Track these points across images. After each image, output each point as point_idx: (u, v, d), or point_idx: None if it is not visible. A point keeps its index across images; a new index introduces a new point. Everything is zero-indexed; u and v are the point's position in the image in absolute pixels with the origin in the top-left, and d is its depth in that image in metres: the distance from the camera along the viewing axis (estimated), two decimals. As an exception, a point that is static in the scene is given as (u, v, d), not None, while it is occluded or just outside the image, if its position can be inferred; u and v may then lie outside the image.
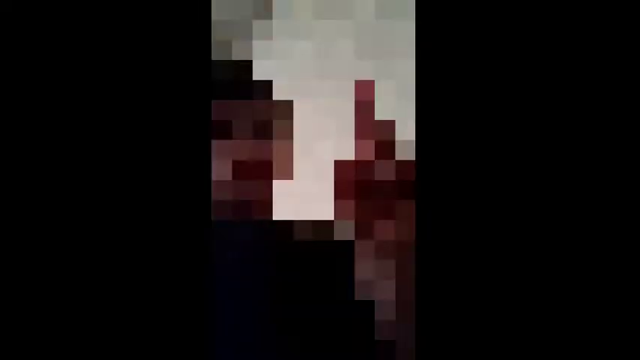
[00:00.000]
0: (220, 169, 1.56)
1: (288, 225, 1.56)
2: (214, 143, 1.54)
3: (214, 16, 1.48)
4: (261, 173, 1.58)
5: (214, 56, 1.49)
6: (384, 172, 1.49)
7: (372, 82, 1.50)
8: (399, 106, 1.49)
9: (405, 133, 1.48)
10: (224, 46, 1.52)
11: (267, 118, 1.57)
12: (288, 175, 1.59)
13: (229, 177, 1.56)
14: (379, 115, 1.49)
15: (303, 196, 1.56)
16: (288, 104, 1.58)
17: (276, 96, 1.56)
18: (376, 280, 1.51)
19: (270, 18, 1.55)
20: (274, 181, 1.58)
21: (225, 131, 1.56)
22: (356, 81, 1.50)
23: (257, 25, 1.53)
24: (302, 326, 1.53)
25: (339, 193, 1.51)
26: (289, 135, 1.58)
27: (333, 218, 1.52)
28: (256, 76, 1.54)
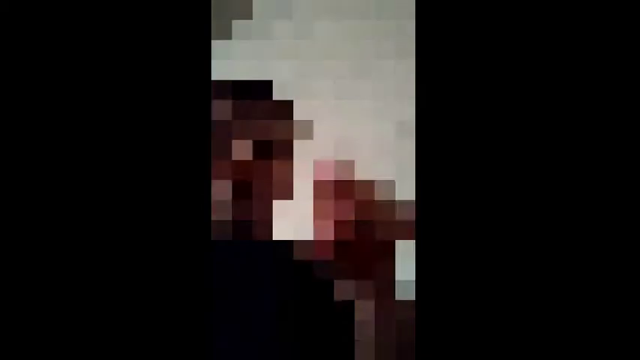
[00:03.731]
0: (220, 189, 1.55)
1: (287, 245, 1.54)
2: (214, 163, 1.53)
3: (214, 16, 1.50)
4: (261, 193, 1.57)
5: (214, 56, 1.50)
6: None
7: (333, 162, 1.52)
8: (399, 108, 1.50)
9: (405, 135, 1.48)
10: (223, 46, 1.54)
11: (268, 137, 1.57)
12: (288, 195, 1.58)
13: (229, 197, 1.55)
14: (379, 115, 1.50)
15: (303, 215, 1.55)
16: (289, 124, 1.58)
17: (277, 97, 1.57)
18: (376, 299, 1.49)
19: (271, 18, 1.57)
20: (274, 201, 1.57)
21: (225, 150, 1.56)
22: (315, 161, 1.52)
23: (257, 25, 1.54)
24: (301, 345, 1.50)
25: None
26: (289, 155, 1.58)
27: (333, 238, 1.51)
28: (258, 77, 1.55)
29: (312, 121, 1.57)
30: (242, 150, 1.56)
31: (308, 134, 1.58)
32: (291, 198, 1.57)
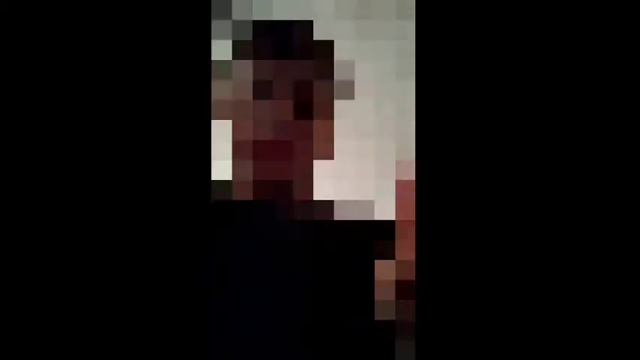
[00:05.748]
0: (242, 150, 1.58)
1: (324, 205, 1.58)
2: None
3: (214, 16, 1.50)
4: (300, 153, 1.60)
5: (214, 56, 1.51)
6: None
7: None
8: (398, 107, 1.48)
9: (406, 134, 1.46)
10: (223, 46, 1.54)
11: (309, 97, 1.58)
12: (329, 154, 1.60)
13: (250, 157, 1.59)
14: (379, 113, 1.48)
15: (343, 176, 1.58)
16: (329, 84, 1.58)
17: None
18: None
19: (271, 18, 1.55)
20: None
21: (266, 92, 1.58)
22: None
23: (257, 25, 1.53)
24: (308, 312, 1.55)
25: None
26: (330, 115, 1.59)
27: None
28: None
29: (353, 81, 1.56)
30: (283, 110, 1.58)
31: (349, 94, 1.58)
32: (332, 157, 1.60)
